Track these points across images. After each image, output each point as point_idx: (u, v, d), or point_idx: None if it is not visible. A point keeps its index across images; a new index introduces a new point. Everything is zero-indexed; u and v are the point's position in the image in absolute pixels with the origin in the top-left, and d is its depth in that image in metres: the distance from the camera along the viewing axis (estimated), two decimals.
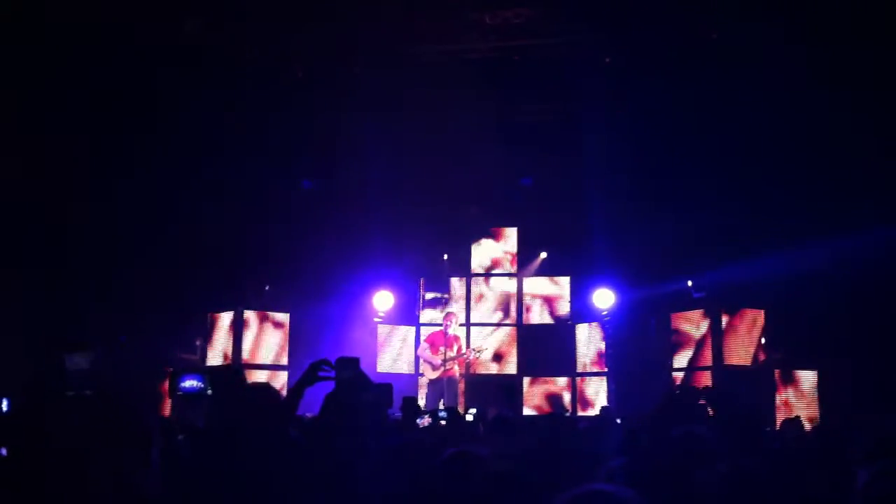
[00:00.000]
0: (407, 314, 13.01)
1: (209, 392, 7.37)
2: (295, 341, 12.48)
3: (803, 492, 2.53)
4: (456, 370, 11.18)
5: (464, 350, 11.30)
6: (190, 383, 7.75)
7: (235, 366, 11.04)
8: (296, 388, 3.33)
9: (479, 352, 11.49)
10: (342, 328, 12.52)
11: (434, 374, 11.09)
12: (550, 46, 10.67)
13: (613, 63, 10.57)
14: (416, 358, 12.06)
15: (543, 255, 13.16)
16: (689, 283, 11.88)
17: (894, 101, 9.44)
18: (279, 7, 9.92)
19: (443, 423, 7.06)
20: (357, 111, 11.16)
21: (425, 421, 7.59)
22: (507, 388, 12.07)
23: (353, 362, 3.45)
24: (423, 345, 11.39)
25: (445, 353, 11.01)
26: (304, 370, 3.33)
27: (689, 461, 2.43)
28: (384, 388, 4.15)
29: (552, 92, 11.56)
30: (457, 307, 12.68)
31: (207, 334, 12.11)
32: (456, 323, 11.39)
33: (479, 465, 2.39)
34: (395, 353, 12.47)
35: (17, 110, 9.53)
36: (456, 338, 11.33)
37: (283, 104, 11.18)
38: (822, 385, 10.71)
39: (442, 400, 10.69)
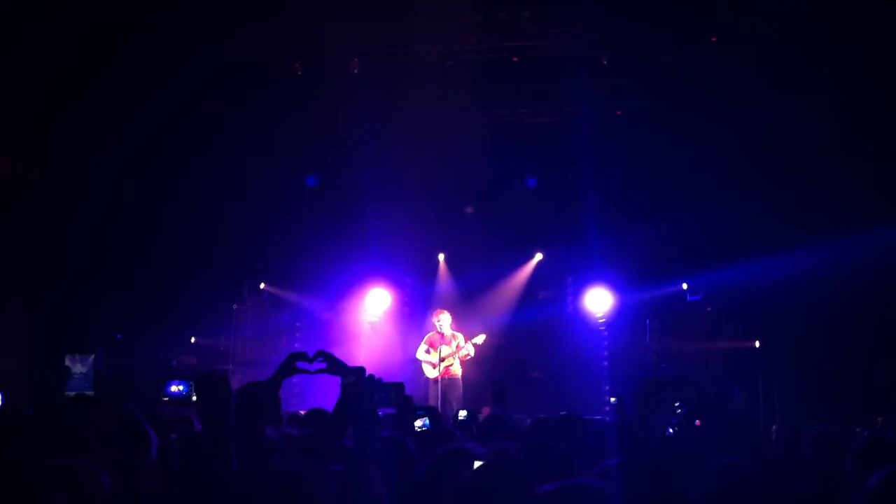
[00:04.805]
0: (401, 312, 13.02)
1: (194, 398, 7.43)
2: (291, 338, 12.48)
3: (795, 493, 2.55)
4: (457, 370, 10.84)
5: (463, 345, 10.80)
6: (176, 388, 7.84)
7: (220, 373, 10.97)
8: (273, 378, 3.33)
9: (475, 344, 10.82)
10: (339, 325, 12.55)
11: (434, 374, 10.77)
12: (548, 47, 10.65)
13: (610, 64, 10.56)
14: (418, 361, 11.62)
15: (539, 255, 13.17)
16: (685, 285, 11.92)
17: (887, 106, 9.47)
18: (278, 5, 9.91)
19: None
20: (354, 110, 11.16)
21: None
22: (499, 390, 11.87)
23: (359, 370, 3.45)
24: (422, 346, 11.08)
25: (441, 351, 10.76)
26: (282, 361, 3.34)
27: (680, 461, 2.46)
28: (395, 387, 4.08)
29: (550, 93, 11.55)
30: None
31: (204, 332, 12.11)
32: (445, 320, 10.96)
33: (472, 462, 2.41)
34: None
35: (16, 110, 9.51)
36: (454, 335, 11.00)
37: (281, 103, 11.16)
38: (814, 387, 10.74)
39: (439, 401, 10.33)
